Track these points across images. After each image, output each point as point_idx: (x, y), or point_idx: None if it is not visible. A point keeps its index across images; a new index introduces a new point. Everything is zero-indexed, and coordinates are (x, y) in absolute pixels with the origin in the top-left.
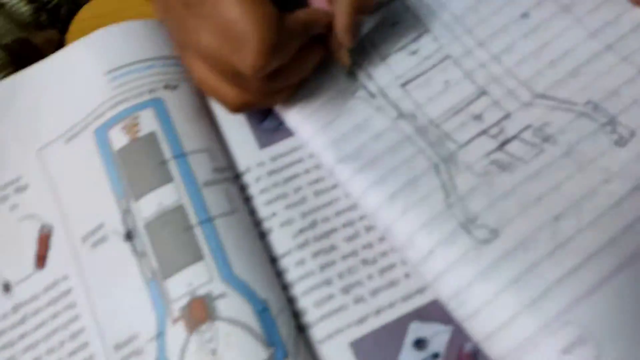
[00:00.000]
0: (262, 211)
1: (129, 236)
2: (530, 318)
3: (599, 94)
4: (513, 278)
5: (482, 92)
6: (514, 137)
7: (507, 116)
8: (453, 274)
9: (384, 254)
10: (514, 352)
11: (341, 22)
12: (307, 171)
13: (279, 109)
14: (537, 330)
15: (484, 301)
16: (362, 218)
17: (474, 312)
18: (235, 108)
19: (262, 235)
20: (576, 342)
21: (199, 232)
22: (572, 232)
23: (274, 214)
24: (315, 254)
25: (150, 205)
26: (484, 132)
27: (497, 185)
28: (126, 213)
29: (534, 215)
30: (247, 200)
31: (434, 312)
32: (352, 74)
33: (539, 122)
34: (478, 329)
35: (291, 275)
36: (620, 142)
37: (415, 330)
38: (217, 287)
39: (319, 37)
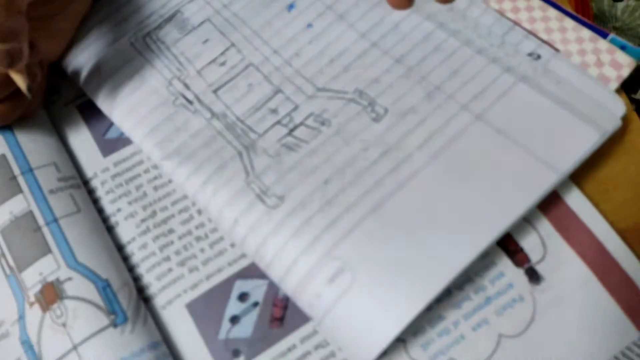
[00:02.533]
0: (108, 208)
1: None
2: (306, 259)
3: (364, 82)
4: (294, 231)
5: (278, 91)
6: (300, 124)
7: (295, 108)
8: (253, 235)
9: (213, 230)
10: (298, 287)
11: None
12: (146, 171)
13: (115, 121)
14: (311, 268)
15: (275, 252)
16: (194, 204)
17: (270, 262)
18: None
19: (110, 229)
20: (337, 272)
21: (46, 231)
22: (337, 190)
23: (119, 210)
24: (156, 238)
25: (3, 214)
26: (278, 122)
27: (285, 162)
28: None
29: (310, 182)
30: (95, 201)
31: (254, 271)
32: (30, 90)
33: (319, 110)
34: (275, 274)
35: (136, 258)
36: (377, 119)
37: (239, 287)
38: (64, 273)
39: None
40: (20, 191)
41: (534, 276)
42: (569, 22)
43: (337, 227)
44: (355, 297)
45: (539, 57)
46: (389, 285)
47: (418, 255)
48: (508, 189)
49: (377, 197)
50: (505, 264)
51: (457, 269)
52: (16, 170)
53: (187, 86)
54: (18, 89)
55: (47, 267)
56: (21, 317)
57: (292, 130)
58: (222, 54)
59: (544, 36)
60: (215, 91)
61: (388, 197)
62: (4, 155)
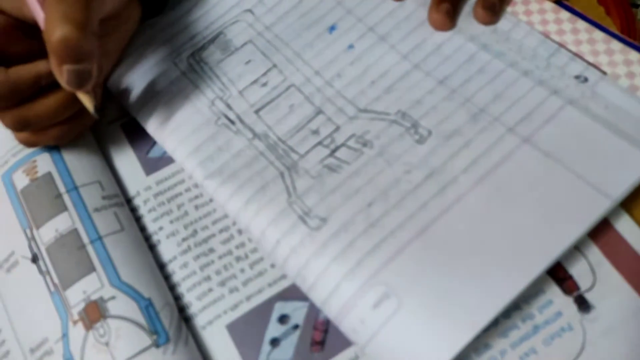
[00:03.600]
0: (150, 227)
1: (35, 259)
2: (350, 283)
3: (407, 104)
4: (337, 254)
5: (319, 111)
6: (342, 145)
7: (337, 129)
8: (295, 257)
9: (253, 250)
10: (341, 311)
11: (57, 74)
12: (187, 189)
13: (158, 140)
14: (354, 293)
15: (317, 275)
16: (235, 223)
17: (312, 284)
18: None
19: (152, 247)
20: (382, 298)
21: (90, 249)
22: (381, 213)
23: (161, 228)
24: (197, 257)
25: (49, 232)
26: (319, 143)
27: (327, 183)
28: (31, 240)
29: (353, 204)
30: (138, 219)
31: (295, 292)
32: (98, 111)
33: (361, 131)
34: (317, 297)
35: (177, 276)
36: (420, 141)
37: (280, 308)
38: (107, 291)
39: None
40: (66, 209)
41: (583, 304)
42: (616, 45)
43: (381, 251)
44: (401, 324)
45: (586, 80)
46: (436, 313)
47: (466, 282)
48: (559, 216)
49: (422, 221)
50: (553, 292)
51: (507, 299)
52: (62, 188)
53: (229, 106)
54: (79, 109)
55: (91, 286)
56: (65, 335)
57: (333, 151)
58: (264, 74)
59: (590, 59)
60: (257, 111)
61: (433, 221)
62: (49, 173)
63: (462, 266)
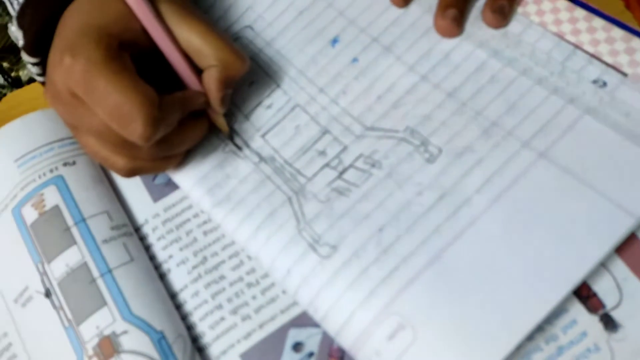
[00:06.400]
0: (160, 255)
1: (48, 294)
2: (363, 314)
3: (415, 119)
4: (349, 283)
5: (325, 131)
6: (350, 166)
7: (344, 149)
8: (306, 287)
9: (264, 275)
10: (356, 343)
11: (213, 97)
12: (196, 215)
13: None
14: (369, 323)
15: (330, 305)
16: (244, 248)
17: (325, 315)
18: (127, 174)
19: (162, 276)
20: (397, 329)
21: (101, 283)
22: (392, 239)
23: (170, 256)
24: (207, 285)
25: (60, 266)
26: (327, 164)
27: (336, 208)
28: (43, 275)
29: (363, 229)
30: (147, 248)
31: (308, 319)
32: (232, 138)
33: (369, 150)
34: (331, 327)
35: (188, 306)
36: (431, 159)
37: (294, 336)
38: (120, 326)
39: (202, 113)
40: (75, 242)
41: (609, 323)
42: (638, 42)
43: (395, 280)
44: (418, 356)
45: (604, 84)
46: (454, 344)
47: (484, 311)
48: (581, 236)
49: (436, 247)
50: (577, 310)
51: (529, 327)
52: (70, 221)
53: (235, 132)
54: None
55: (103, 320)
56: None
57: (341, 173)
58: (268, 96)
59: (609, 59)
60: (263, 135)
61: (447, 246)
62: (57, 206)
63: (479, 294)
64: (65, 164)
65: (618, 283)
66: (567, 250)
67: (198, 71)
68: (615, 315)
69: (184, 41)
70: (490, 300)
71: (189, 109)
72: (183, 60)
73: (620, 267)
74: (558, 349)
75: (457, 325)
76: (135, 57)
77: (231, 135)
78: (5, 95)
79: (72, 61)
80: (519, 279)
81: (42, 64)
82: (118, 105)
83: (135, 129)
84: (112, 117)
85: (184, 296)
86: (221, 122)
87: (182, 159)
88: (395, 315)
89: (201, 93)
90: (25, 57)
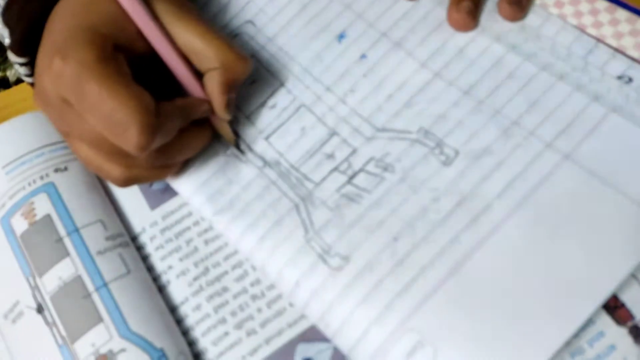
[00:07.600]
0: (159, 266)
1: (40, 309)
2: (379, 330)
3: (429, 119)
4: (363, 297)
5: (333, 133)
6: (360, 170)
7: (354, 152)
8: (316, 301)
9: (270, 287)
10: None
11: (216, 102)
12: (196, 223)
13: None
14: (384, 341)
15: (342, 320)
16: (248, 258)
17: (337, 330)
18: (122, 183)
19: (161, 288)
20: (417, 346)
21: (96, 297)
22: (408, 249)
23: (170, 267)
24: (210, 297)
25: (52, 280)
26: (335, 169)
27: (347, 216)
28: (35, 289)
29: (376, 239)
30: (145, 258)
31: (317, 333)
32: (238, 146)
33: (380, 153)
34: (343, 344)
35: (190, 320)
36: (447, 162)
37: (302, 351)
38: (117, 344)
39: (205, 120)
40: (68, 254)
41: (639, 336)
42: None
43: (411, 293)
44: None
45: (630, 80)
46: None
47: (508, 327)
48: (611, 245)
49: (455, 257)
50: (604, 322)
51: (557, 345)
52: (62, 232)
53: (237, 134)
54: None
55: (99, 338)
56: None
57: (351, 177)
58: (271, 96)
59: (634, 53)
60: (266, 138)
61: (467, 256)
62: (48, 215)
63: (503, 308)
64: (56, 170)
65: None
66: (596, 259)
67: (198, 75)
68: None
69: (182, 43)
70: (515, 316)
71: (191, 117)
72: (182, 63)
73: None
74: None
75: (481, 343)
76: (132, 63)
77: (237, 142)
78: None
79: (63, 64)
80: (545, 292)
81: (31, 64)
82: (111, 111)
83: (129, 137)
84: (105, 124)
85: (184, 310)
86: (226, 129)
87: (182, 167)
88: (413, 332)
89: (205, 100)
90: (12, 56)
